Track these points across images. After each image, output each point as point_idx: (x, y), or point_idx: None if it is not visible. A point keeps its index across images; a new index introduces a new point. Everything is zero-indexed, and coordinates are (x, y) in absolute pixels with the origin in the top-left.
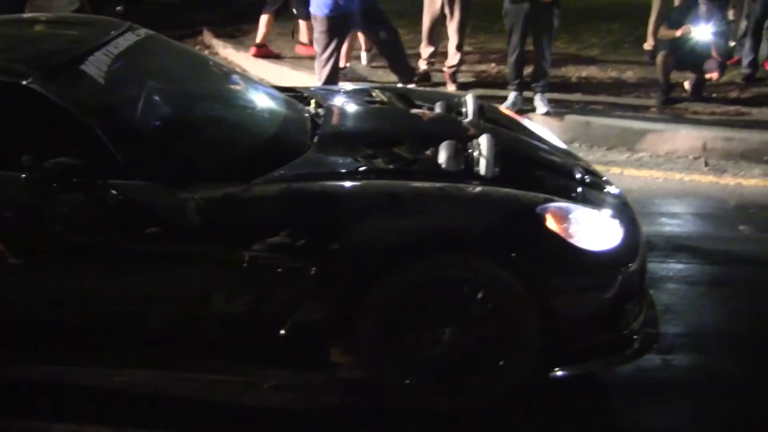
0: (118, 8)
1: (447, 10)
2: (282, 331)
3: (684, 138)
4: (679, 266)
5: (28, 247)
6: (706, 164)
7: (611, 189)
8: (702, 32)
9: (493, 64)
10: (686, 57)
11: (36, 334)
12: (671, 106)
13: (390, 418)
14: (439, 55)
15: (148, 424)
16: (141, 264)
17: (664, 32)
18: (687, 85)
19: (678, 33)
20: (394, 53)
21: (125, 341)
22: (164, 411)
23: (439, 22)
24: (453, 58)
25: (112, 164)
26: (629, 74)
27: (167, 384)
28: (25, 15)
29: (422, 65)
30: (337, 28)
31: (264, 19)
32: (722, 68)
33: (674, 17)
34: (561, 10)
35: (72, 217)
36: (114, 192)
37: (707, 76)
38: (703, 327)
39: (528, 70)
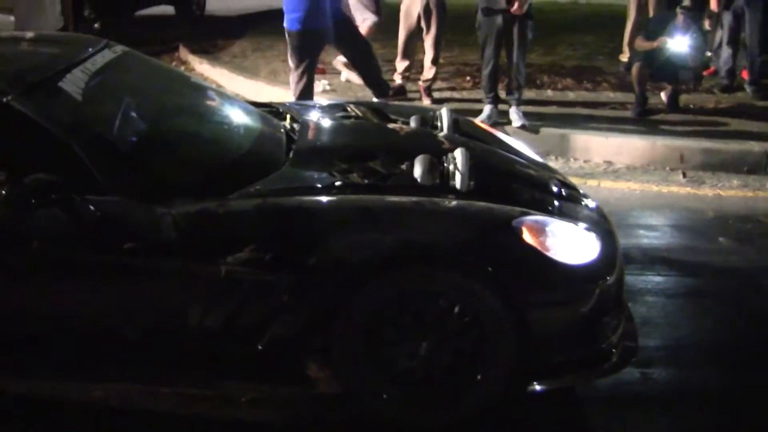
0: (96, 25)
1: (423, 24)
2: (259, 346)
3: (661, 149)
4: (658, 279)
5: (5, 262)
6: (684, 175)
7: (588, 202)
8: (678, 43)
9: (467, 77)
10: (662, 68)
11: (11, 347)
12: (648, 118)
13: None
14: (413, 68)
15: None
16: (118, 279)
17: (641, 43)
18: (663, 96)
19: (655, 44)
20: (367, 68)
21: (102, 355)
22: (141, 424)
23: (415, 36)
24: (428, 72)
25: (90, 180)
26: (605, 86)
27: (144, 398)
28: (6, 33)
29: (397, 79)
30: (311, 43)
31: None
32: (698, 79)
33: (651, 28)
34: (534, 23)
35: (50, 232)
36: (91, 207)
37: (683, 87)
38: (682, 339)
39: (503, 82)
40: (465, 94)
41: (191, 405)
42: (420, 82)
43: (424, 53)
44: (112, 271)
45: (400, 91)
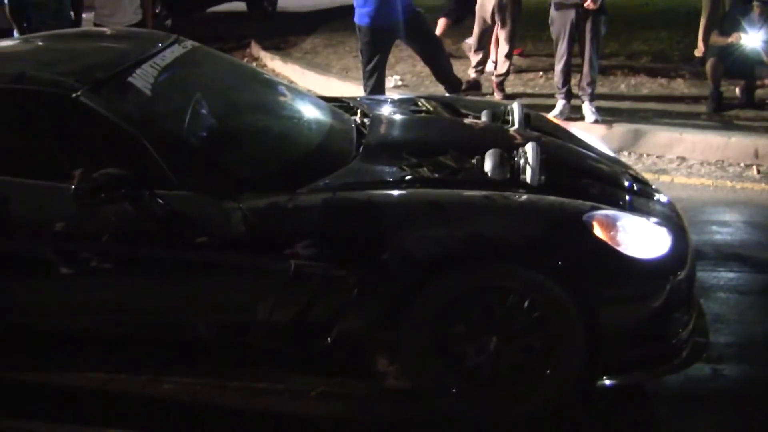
0: (167, 22)
1: (498, 18)
2: (328, 340)
3: (735, 145)
4: (730, 275)
5: (77, 258)
6: (758, 172)
7: (660, 197)
8: (753, 39)
9: (540, 73)
10: (737, 64)
11: (83, 342)
12: (722, 113)
13: (437, 427)
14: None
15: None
16: (187, 273)
17: (715, 39)
18: (738, 91)
19: (729, 40)
20: (438, 63)
21: (171, 350)
22: (211, 418)
23: (489, 30)
24: (501, 66)
25: (159, 175)
26: (679, 81)
27: (214, 391)
28: (75, 29)
29: (471, 73)
30: (381, 38)
31: (441, 22)
32: None
33: (725, 23)
34: (607, 17)
35: (119, 227)
36: (161, 202)
37: (758, 82)
38: (754, 336)
39: (576, 78)
40: (537, 90)
41: (260, 399)
42: (493, 77)
43: (497, 47)
44: (181, 266)
45: (475, 86)
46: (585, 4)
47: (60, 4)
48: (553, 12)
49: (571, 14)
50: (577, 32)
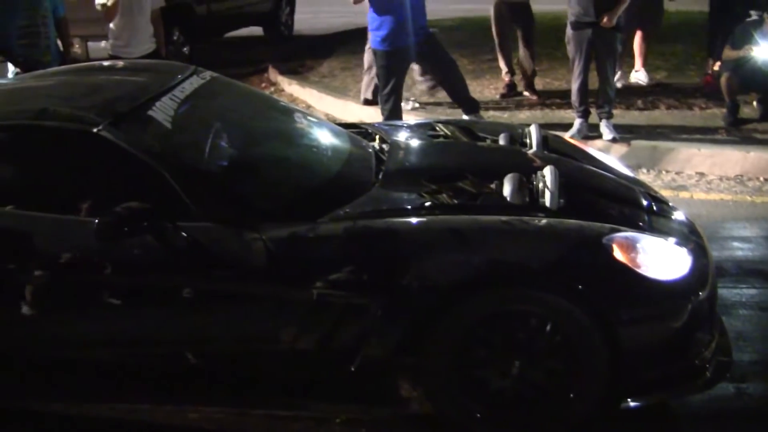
0: (185, 49)
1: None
2: (352, 367)
3: (754, 159)
4: (752, 291)
5: (100, 290)
6: None
7: (679, 216)
8: (765, 51)
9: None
10: (751, 77)
11: (107, 373)
12: (739, 127)
13: None
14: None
15: None
16: (211, 304)
17: (728, 53)
18: (755, 105)
19: (741, 53)
20: (453, 85)
21: (196, 380)
22: None
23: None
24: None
25: (181, 207)
26: (696, 96)
27: (239, 420)
28: (95, 63)
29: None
30: (396, 62)
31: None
32: None
33: (737, 37)
34: (624, 35)
35: (143, 259)
36: (183, 234)
37: None
38: None
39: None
40: (555, 108)
41: (284, 427)
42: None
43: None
44: (204, 297)
45: (511, 88)
46: (602, 23)
47: (47, 39)
48: (569, 31)
49: (588, 32)
50: (594, 50)
